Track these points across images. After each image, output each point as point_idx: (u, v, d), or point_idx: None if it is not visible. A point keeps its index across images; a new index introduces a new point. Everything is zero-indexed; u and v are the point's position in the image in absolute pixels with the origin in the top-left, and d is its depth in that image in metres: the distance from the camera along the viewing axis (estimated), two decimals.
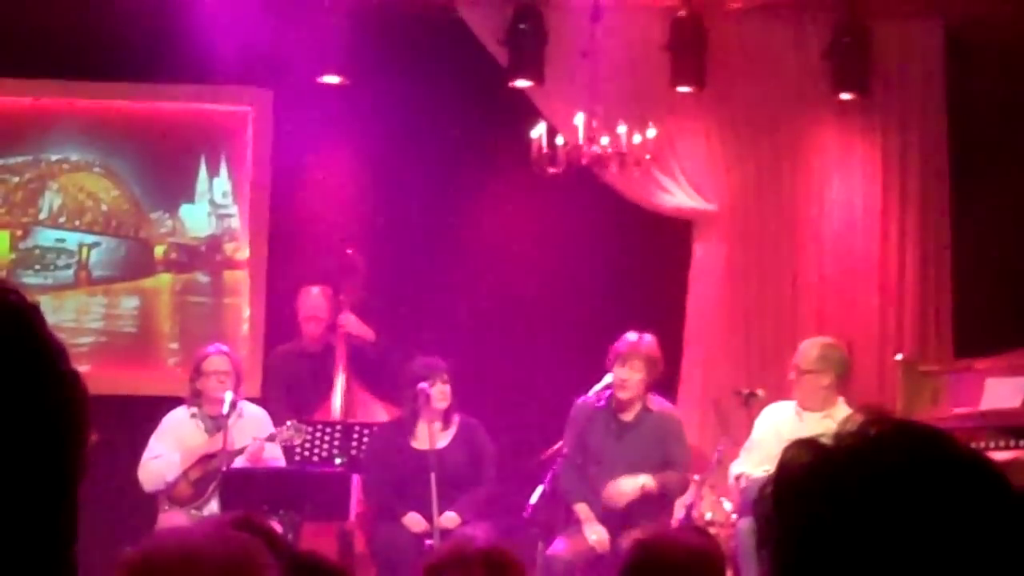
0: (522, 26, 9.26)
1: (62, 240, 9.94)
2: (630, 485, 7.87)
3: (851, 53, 9.44)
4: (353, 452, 8.32)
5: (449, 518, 7.94)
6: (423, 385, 8.05)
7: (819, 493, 1.40)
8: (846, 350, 8.20)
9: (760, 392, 8.32)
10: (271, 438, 7.99)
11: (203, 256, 9.98)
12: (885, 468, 1.39)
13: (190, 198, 9.96)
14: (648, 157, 8.71)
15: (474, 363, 8.83)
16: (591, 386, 8.05)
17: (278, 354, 9.17)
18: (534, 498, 7.72)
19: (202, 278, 10.00)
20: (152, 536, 2.27)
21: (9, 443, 1.31)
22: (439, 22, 9.46)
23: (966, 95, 9.65)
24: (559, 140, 8.60)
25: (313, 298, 9.05)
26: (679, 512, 8.07)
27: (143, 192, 9.95)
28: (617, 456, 8.01)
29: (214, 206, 9.97)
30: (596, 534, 7.92)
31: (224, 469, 7.76)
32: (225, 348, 8.32)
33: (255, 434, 7.98)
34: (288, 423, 8.03)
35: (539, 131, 8.57)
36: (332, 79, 9.27)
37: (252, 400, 8.50)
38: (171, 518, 7.87)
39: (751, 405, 8.27)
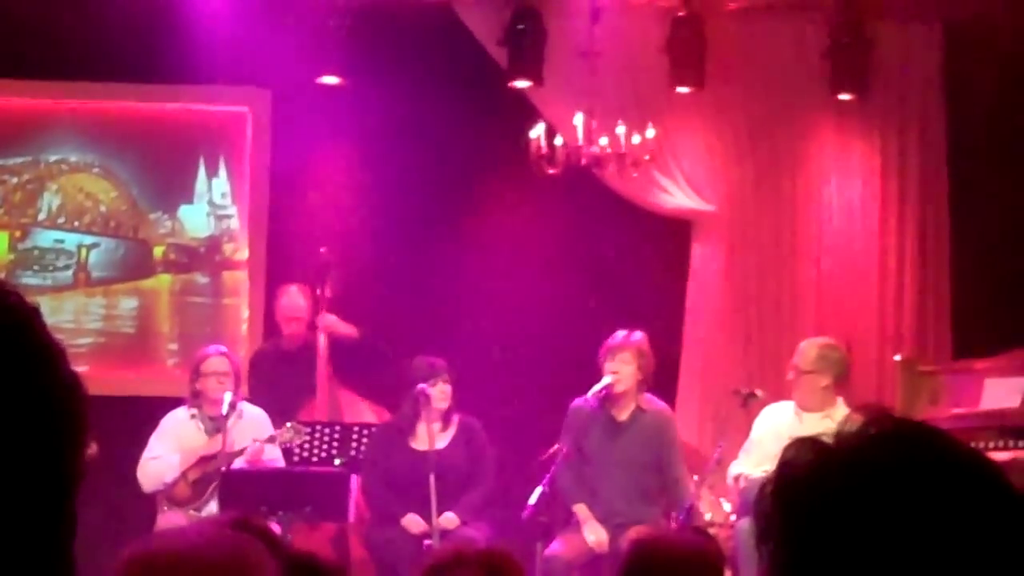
0: (521, 26, 9.26)
1: (61, 241, 9.94)
2: None
3: (850, 54, 9.44)
4: (352, 453, 8.32)
5: (448, 519, 7.94)
6: (423, 385, 8.05)
7: (820, 492, 1.40)
8: (845, 350, 8.20)
9: (759, 392, 8.31)
10: (270, 439, 7.98)
11: (202, 257, 9.98)
12: (886, 467, 1.39)
13: (189, 199, 9.96)
14: (647, 158, 8.71)
15: (473, 363, 8.82)
16: (589, 386, 8.05)
17: (259, 354, 9.16)
18: (533, 499, 7.72)
19: (201, 279, 10.00)
20: (151, 536, 2.27)
21: (9, 445, 1.31)
22: (437, 23, 9.45)
23: (965, 96, 9.65)
24: (558, 140, 8.61)
25: (291, 297, 9.00)
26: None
27: (142, 193, 9.95)
28: (613, 457, 8.02)
29: (213, 207, 9.97)
30: (595, 535, 7.92)
31: (223, 470, 7.76)
32: (224, 349, 8.31)
33: (255, 435, 7.97)
34: (287, 424, 8.03)
35: (538, 131, 8.57)
36: (330, 80, 9.27)
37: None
38: (170, 519, 7.87)
39: (750, 405, 8.26)
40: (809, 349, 8.00)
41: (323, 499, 7.65)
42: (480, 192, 9.68)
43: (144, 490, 8.05)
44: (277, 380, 8.83)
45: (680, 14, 9.34)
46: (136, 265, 9.97)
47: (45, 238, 9.93)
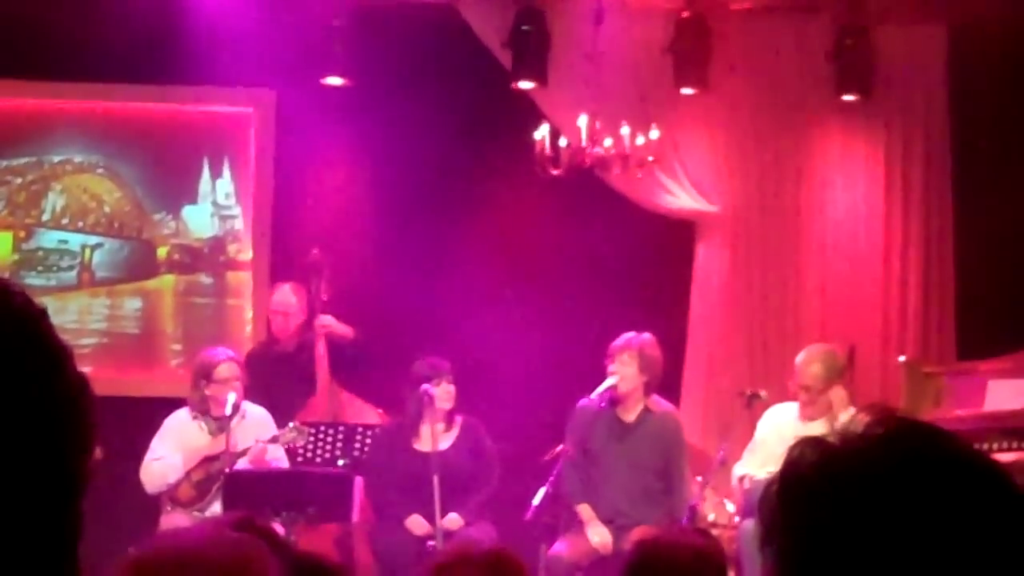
0: (525, 28, 9.27)
1: (65, 241, 9.95)
2: None
3: (854, 55, 9.44)
4: (356, 454, 8.31)
5: (452, 520, 7.94)
6: (427, 386, 8.05)
7: (825, 492, 1.40)
8: (841, 353, 8.19)
9: (763, 393, 8.30)
10: (274, 440, 7.98)
11: (206, 257, 9.99)
12: (890, 468, 1.39)
13: (193, 199, 9.97)
14: (651, 159, 8.71)
15: (476, 364, 8.83)
16: (594, 388, 8.05)
17: (250, 356, 9.10)
18: (537, 499, 7.72)
19: (205, 279, 10.01)
20: (154, 537, 2.27)
21: (16, 447, 1.31)
22: (441, 24, 9.46)
23: (969, 97, 9.65)
24: (562, 142, 8.60)
25: (282, 293, 8.95)
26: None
27: (146, 193, 9.96)
28: (618, 457, 8.02)
29: (217, 207, 9.98)
30: (599, 535, 7.92)
31: (227, 471, 7.76)
32: (231, 353, 8.28)
33: (258, 436, 7.97)
34: (290, 424, 8.03)
35: (542, 133, 8.57)
36: (335, 81, 9.27)
37: None
38: (173, 519, 7.87)
39: (754, 406, 8.25)
40: (807, 364, 7.88)
41: (327, 500, 7.65)
42: (485, 193, 9.69)
43: (147, 491, 8.05)
44: (271, 381, 8.77)
45: (684, 15, 9.35)
46: (140, 266, 9.98)
47: (49, 239, 9.93)
